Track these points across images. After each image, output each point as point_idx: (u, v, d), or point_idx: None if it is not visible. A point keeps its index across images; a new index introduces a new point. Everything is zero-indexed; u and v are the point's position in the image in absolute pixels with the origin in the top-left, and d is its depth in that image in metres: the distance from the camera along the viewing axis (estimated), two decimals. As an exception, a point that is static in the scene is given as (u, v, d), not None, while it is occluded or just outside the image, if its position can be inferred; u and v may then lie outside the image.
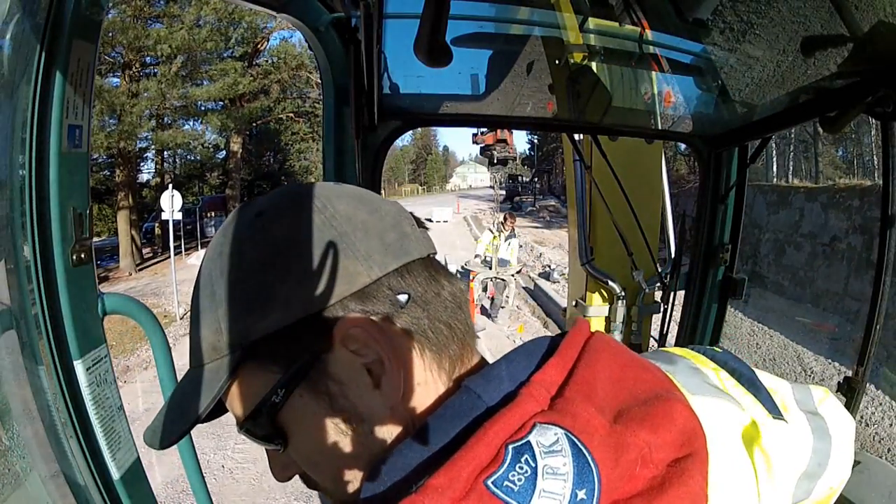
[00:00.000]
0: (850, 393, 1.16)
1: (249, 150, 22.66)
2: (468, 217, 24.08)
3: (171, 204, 10.43)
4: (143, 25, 14.39)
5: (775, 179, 11.76)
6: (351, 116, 1.19)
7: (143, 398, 6.33)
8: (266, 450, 0.42)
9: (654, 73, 1.43)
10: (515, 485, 0.30)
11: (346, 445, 0.38)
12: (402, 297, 0.38)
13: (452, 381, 0.39)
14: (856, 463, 1.11)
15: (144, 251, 17.73)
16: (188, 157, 20.71)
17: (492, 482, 0.30)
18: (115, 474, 0.71)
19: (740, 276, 1.60)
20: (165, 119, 17.09)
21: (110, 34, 13.66)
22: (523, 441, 0.31)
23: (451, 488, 0.30)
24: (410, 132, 2.05)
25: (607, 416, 0.33)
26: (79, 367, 0.67)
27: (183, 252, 17.29)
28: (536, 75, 1.35)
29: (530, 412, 0.32)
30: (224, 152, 21.74)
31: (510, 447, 0.31)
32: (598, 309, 2.25)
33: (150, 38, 14.33)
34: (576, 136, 2.17)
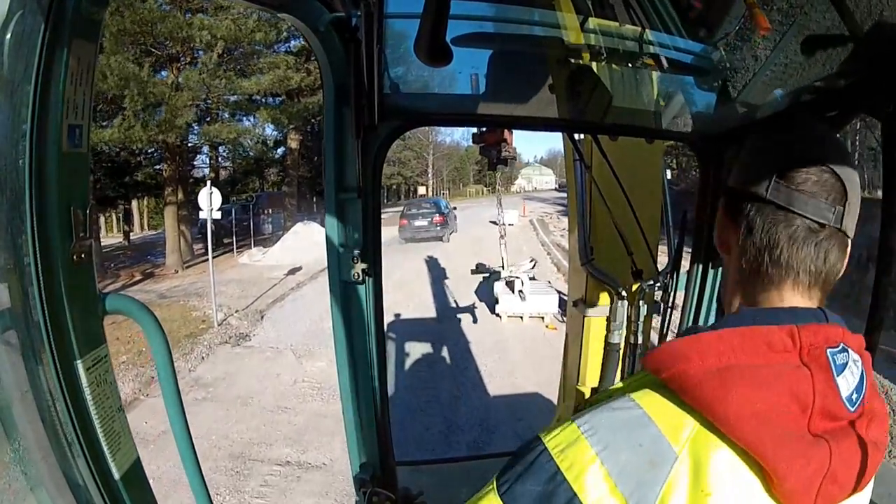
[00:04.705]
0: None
1: (309, 146, 21.97)
2: (534, 221, 22.78)
3: (210, 202, 9.67)
4: (182, 14, 14.02)
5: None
6: (351, 116, 1.19)
7: (164, 416, 5.33)
8: None
9: (654, 73, 1.43)
10: (837, 361, 0.51)
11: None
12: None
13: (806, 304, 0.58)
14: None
15: (196, 247, 17.05)
16: (243, 152, 20.06)
17: (830, 351, 0.51)
18: (116, 474, 0.71)
19: None
20: (219, 113, 16.60)
21: (154, 25, 13.41)
22: (848, 348, 0.53)
23: (814, 336, 0.51)
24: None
25: (872, 383, 0.55)
26: (79, 367, 0.67)
27: (234, 250, 16.63)
28: (537, 75, 1.35)
29: (858, 343, 0.55)
30: (282, 149, 21.35)
31: (842, 344, 0.53)
32: (598, 309, 2.25)
33: (193, 27, 13.95)
34: (576, 136, 2.17)
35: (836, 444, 0.48)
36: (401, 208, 21.54)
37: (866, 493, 0.55)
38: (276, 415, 6.06)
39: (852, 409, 0.50)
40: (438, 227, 17.95)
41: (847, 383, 0.50)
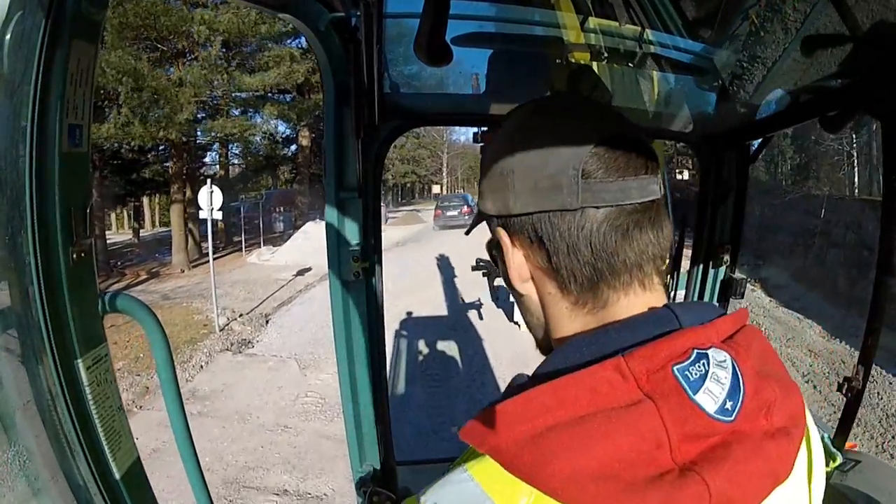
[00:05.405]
0: (849, 393, 1.16)
1: (320, 143, 21.58)
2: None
3: (210, 201, 9.33)
4: (186, 8, 13.93)
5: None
6: (351, 116, 1.19)
7: (157, 432, 5.00)
8: None
9: (654, 72, 1.43)
10: (691, 376, 0.41)
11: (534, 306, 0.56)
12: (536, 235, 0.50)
13: (653, 303, 0.50)
14: (856, 463, 1.11)
15: (204, 246, 16.50)
16: (253, 149, 19.75)
17: (677, 368, 0.41)
18: (116, 474, 0.71)
19: (740, 276, 1.60)
20: (226, 109, 16.38)
21: (159, 18, 13.30)
22: (706, 350, 0.43)
23: (650, 360, 0.41)
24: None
25: (756, 368, 0.45)
26: (79, 366, 0.67)
27: (243, 249, 16.36)
28: (537, 75, 1.35)
29: (712, 338, 0.45)
30: (294, 146, 21.52)
31: (696, 350, 0.42)
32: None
33: (195, 21, 13.83)
34: None
35: (714, 467, 0.40)
36: (414, 207, 24.44)
37: (797, 477, 0.47)
38: (276, 434, 5.57)
39: (730, 419, 0.41)
40: (466, 217, 21.57)
41: (713, 396, 0.41)
